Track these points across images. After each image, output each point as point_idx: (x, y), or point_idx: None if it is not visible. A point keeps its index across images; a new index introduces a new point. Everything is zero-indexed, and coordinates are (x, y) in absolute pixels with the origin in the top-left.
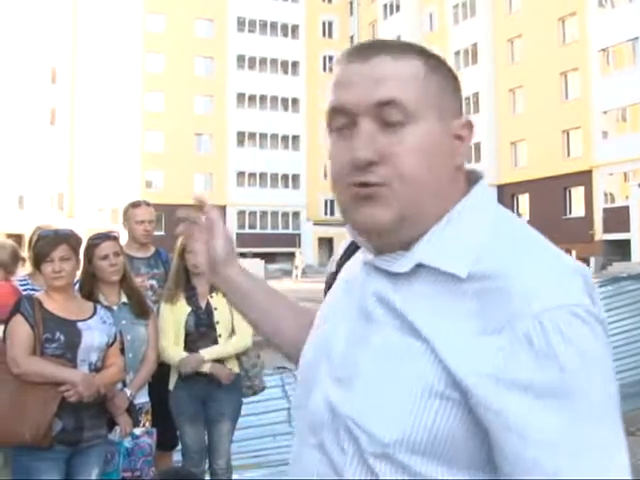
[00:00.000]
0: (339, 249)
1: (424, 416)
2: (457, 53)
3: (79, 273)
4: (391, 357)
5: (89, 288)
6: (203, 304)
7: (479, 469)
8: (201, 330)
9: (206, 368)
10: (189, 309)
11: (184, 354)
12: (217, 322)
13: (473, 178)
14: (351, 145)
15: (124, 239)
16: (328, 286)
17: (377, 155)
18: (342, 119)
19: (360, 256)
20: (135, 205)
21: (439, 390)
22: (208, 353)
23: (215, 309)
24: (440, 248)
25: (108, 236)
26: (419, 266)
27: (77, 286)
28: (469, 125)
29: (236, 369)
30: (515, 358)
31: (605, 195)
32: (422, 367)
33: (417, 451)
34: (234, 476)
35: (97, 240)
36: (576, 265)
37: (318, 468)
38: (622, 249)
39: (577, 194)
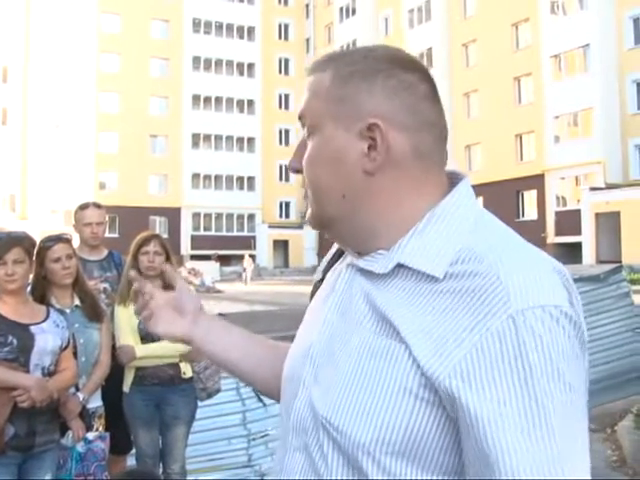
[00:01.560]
0: (324, 258)
1: (399, 416)
2: None
3: (32, 276)
4: (368, 357)
5: (41, 291)
6: None
7: (457, 473)
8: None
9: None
10: None
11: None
12: None
13: (456, 179)
14: None
15: (77, 241)
16: (313, 294)
17: (300, 164)
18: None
19: (342, 262)
20: (83, 207)
21: (414, 390)
22: (141, 350)
23: None
24: (420, 248)
25: (60, 238)
26: (399, 266)
27: (29, 289)
28: (376, 127)
29: (189, 372)
30: (484, 355)
31: (557, 198)
32: (397, 368)
33: (393, 452)
34: (189, 479)
35: (49, 243)
36: (555, 265)
37: (300, 470)
38: (574, 252)
39: (530, 197)
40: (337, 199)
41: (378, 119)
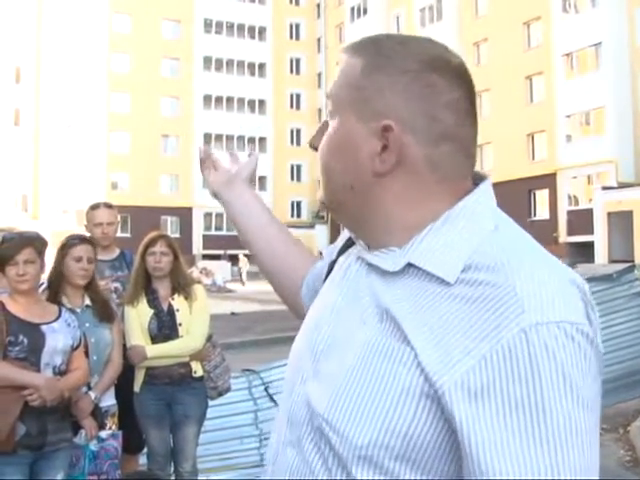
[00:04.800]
0: (338, 240)
1: (400, 420)
2: None
3: (44, 275)
4: (371, 357)
5: (57, 287)
6: (165, 306)
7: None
8: (164, 332)
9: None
10: (151, 311)
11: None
12: (180, 324)
13: (478, 179)
14: None
15: None
16: (328, 273)
17: (319, 143)
18: None
19: (354, 249)
20: (94, 207)
21: (416, 395)
22: (152, 350)
23: (177, 311)
24: (433, 249)
25: (86, 239)
26: (410, 265)
27: (44, 286)
28: (389, 129)
29: (200, 371)
30: (492, 368)
31: (569, 198)
32: (401, 370)
33: (392, 456)
34: (200, 479)
35: (75, 240)
36: (574, 278)
37: (292, 467)
38: (586, 251)
39: (542, 197)
40: (346, 189)
41: (393, 121)
